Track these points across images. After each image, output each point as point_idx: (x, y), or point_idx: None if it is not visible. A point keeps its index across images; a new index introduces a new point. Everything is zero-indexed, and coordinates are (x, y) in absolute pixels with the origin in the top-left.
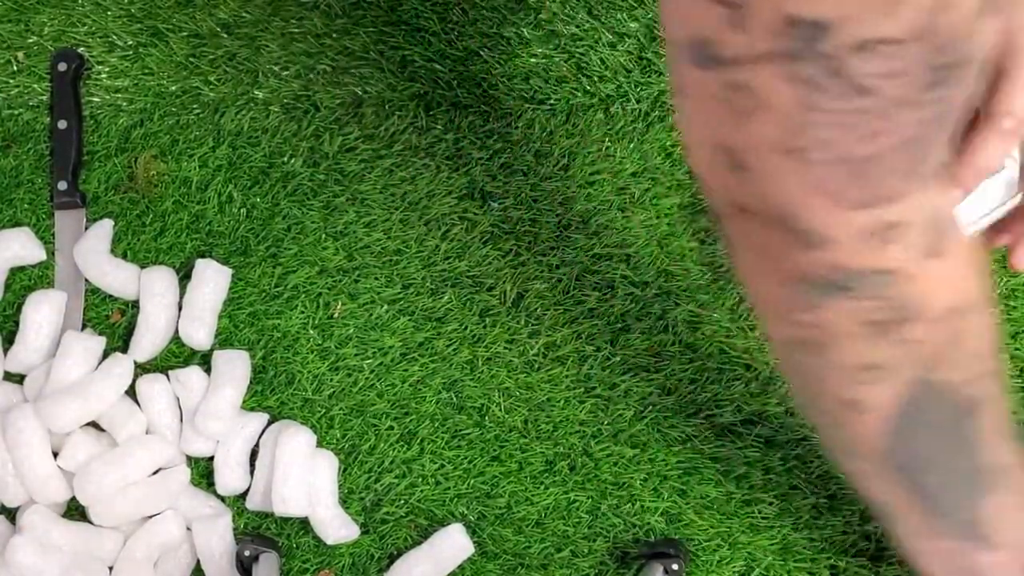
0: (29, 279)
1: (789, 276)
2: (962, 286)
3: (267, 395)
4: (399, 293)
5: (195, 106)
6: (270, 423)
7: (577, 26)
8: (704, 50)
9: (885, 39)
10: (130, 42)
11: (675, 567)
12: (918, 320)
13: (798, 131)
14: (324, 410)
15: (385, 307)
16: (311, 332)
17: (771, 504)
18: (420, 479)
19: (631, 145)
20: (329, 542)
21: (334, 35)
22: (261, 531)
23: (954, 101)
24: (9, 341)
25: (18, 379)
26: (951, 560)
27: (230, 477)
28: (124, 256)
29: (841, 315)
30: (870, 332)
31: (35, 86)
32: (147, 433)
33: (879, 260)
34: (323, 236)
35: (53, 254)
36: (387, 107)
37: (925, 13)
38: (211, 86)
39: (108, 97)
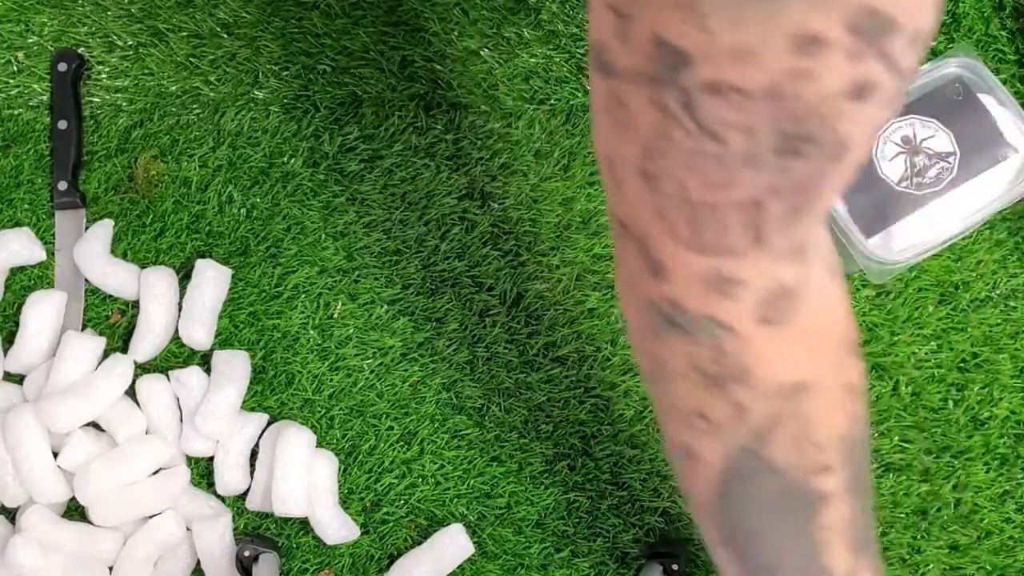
0: (29, 279)
1: (641, 301)
2: (800, 367)
3: (267, 395)
4: (399, 293)
5: (195, 106)
6: (270, 423)
7: (577, 26)
8: (600, 55)
9: (737, 87)
10: (130, 42)
11: (675, 567)
12: (746, 385)
13: (653, 156)
14: (324, 410)
15: (385, 307)
16: (311, 332)
17: None
18: (420, 479)
19: None
20: (329, 542)
21: (334, 35)
22: (261, 531)
23: (812, 181)
24: (9, 341)
25: (18, 379)
26: None
27: (230, 477)
28: (124, 256)
29: (676, 354)
30: (700, 380)
31: (35, 86)
32: (147, 433)
33: (711, 309)
34: (323, 236)
35: (53, 254)
36: (387, 107)
37: (781, 74)
38: (211, 86)
39: (108, 97)
